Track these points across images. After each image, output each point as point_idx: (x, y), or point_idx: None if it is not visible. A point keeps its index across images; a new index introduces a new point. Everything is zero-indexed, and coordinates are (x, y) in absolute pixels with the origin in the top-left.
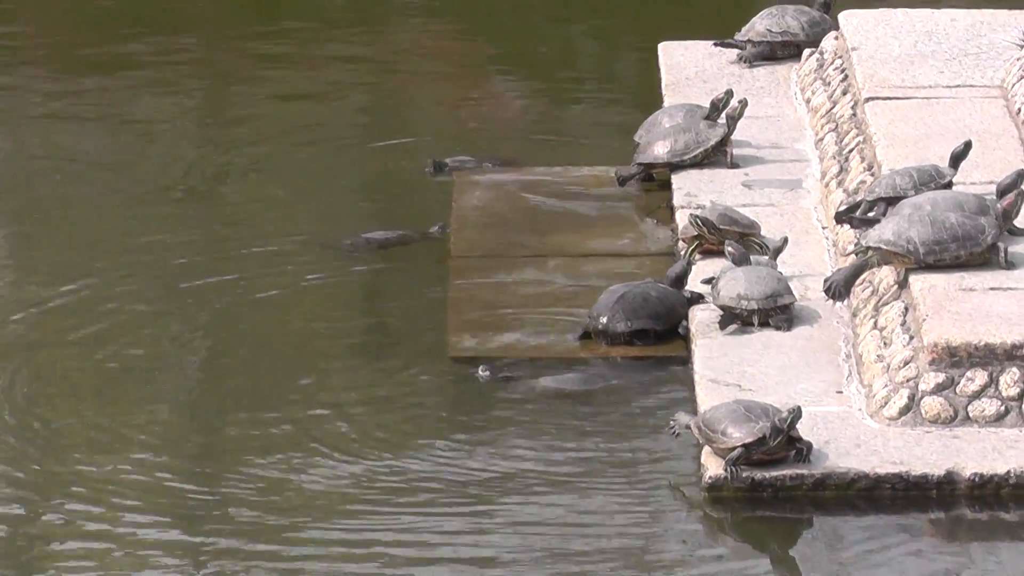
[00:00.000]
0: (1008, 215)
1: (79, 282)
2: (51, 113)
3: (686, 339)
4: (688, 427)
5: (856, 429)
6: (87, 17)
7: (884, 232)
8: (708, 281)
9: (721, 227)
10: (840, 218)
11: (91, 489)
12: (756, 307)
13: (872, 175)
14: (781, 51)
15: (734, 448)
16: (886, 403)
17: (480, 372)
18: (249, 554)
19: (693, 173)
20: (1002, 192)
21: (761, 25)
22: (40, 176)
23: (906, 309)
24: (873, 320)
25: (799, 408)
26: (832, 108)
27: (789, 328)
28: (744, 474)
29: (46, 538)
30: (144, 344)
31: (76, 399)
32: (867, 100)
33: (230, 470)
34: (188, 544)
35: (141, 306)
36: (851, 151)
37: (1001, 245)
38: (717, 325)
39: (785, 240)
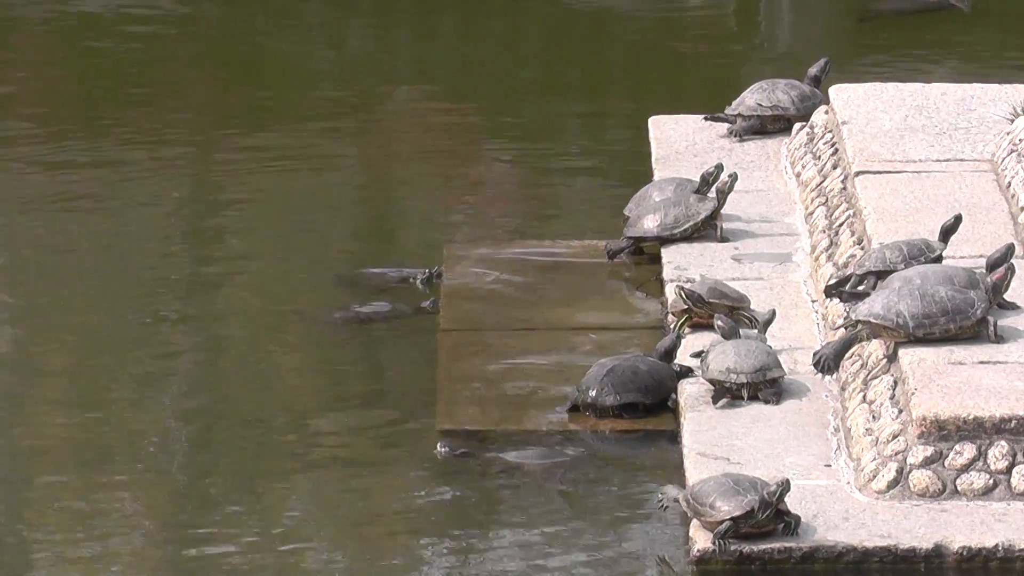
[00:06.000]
0: (998, 289)
1: (68, 359)
2: (43, 163)
3: (675, 412)
4: (676, 500)
5: (844, 502)
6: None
7: (874, 306)
8: (697, 355)
9: (710, 301)
10: (830, 292)
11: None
12: (745, 380)
13: (862, 249)
14: (771, 125)
15: (722, 521)
16: (874, 476)
17: (439, 448)
18: None
19: (683, 247)
20: (992, 266)
21: (751, 99)
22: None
23: (895, 383)
24: (862, 394)
25: (787, 481)
26: (822, 182)
27: (778, 402)
28: (732, 547)
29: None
30: (126, 419)
31: (58, 472)
32: (857, 174)
33: (215, 542)
34: None
35: (122, 380)
36: (841, 225)
37: (991, 319)
38: (706, 399)
39: (773, 313)
